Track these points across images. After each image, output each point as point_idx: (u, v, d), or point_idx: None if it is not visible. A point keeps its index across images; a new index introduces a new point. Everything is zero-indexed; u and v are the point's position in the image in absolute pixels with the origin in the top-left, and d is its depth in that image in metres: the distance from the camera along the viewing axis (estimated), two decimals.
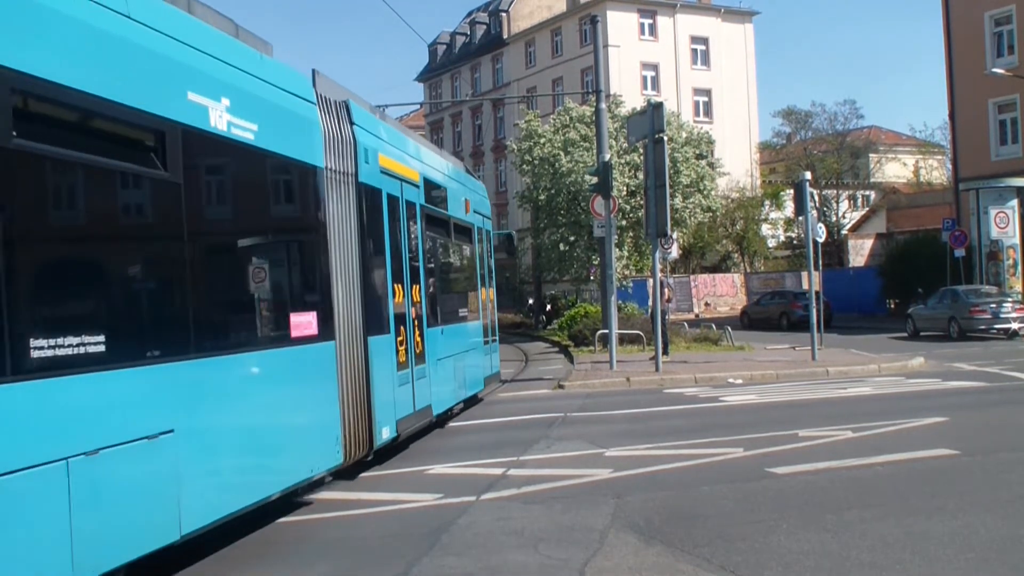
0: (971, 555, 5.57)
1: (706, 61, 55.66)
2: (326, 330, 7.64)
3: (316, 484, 8.02)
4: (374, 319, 8.76)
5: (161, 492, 5.30)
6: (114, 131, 5.26)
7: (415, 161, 10.86)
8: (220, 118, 6.15)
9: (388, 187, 9.43)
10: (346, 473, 8.67)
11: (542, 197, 30.60)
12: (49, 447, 4.43)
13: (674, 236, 23.32)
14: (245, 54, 6.83)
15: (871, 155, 54.83)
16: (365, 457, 8.74)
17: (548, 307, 38.06)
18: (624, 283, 30.27)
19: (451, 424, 12.34)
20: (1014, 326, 24.01)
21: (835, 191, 51.14)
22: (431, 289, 11.11)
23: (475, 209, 14.20)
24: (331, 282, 7.87)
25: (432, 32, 73.35)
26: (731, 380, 16.21)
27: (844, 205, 52.29)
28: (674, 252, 25.17)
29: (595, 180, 19.70)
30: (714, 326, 26.19)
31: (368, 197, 8.77)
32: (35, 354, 4.40)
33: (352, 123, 8.63)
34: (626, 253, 29.52)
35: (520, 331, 35.86)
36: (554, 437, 10.85)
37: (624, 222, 27.74)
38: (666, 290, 21.60)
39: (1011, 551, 5.65)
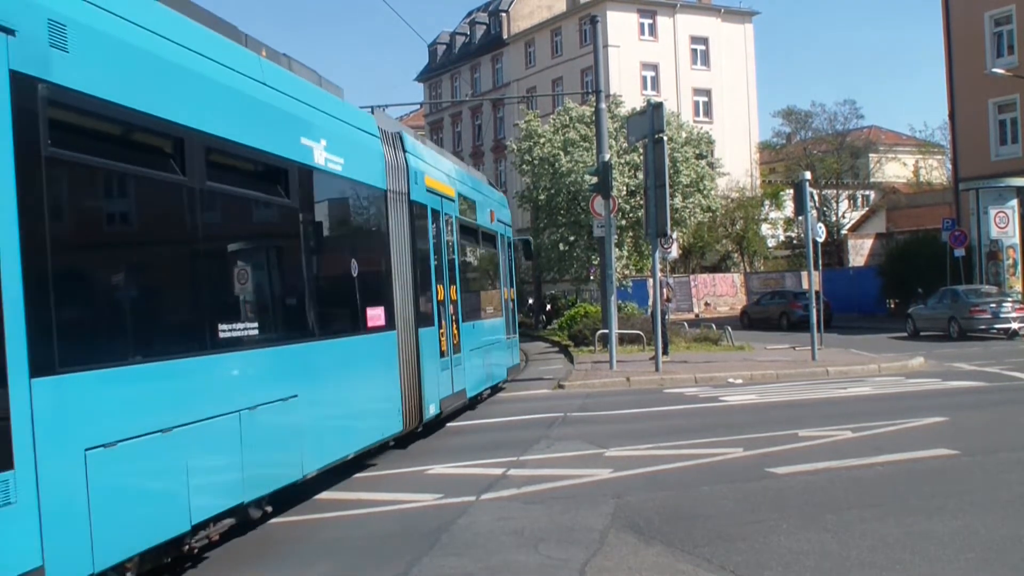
0: (971, 555, 5.57)
1: (706, 61, 55.62)
2: (390, 322, 9.37)
3: (381, 449, 9.78)
4: (422, 313, 10.47)
5: (292, 441, 7.04)
6: (259, 171, 7.03)
7: (451, 179, 12.52)
8: (320, 155, 7.87)
9: (432, 203, 11.15)
10: (400, 443, 10.28)
11: (542, 197, 30.57)
12: (230, 402, 6.14)
13: (674, 236, 23.31)
14: (330, 101, 8.56)
15: (871, 155, 54.75)
16: (416, 428, 10.32)
17: (548, 307, 38.04)
18: (624, 283, 30.24)
19: (451, 424, 12.34)
20: (1014, 326, 24.01)
21: (835, 191, 51.10)
22: (464, 289, 12.74)
23: (499, 218, 15.93)
24: (392, 282, 9.57)
25: (432, 32, 73.44)
26: (731, 380, 16.21)
27: (844, 205, 52.24)
28: (674, 252, 25.16)
29: (595, 180, 19.69)
30: (714, 326, 26.19)
31: (417, 212, 10.47)
32: (221, 335, 6.11)
33: (405, 151, 10.31)
34: (626, 253, 29.49)
35: (520, 331, 35.80)
36: (554, 437, 10.85)
37: (624, 222, 27.71)
38: (666, 290, 21.60)
39: (1011, 551, 5.65)
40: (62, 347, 4.58)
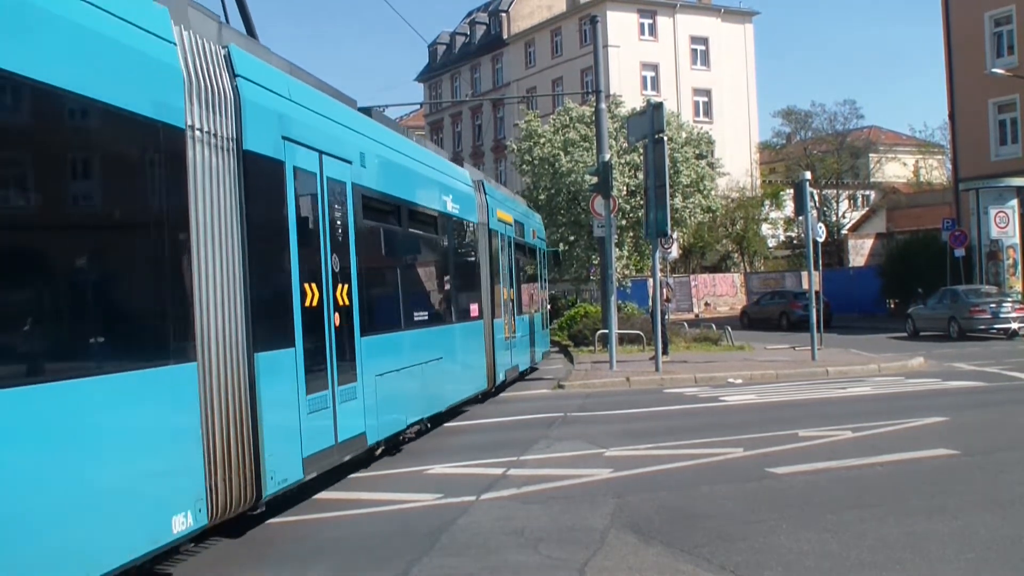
0: (971, 555, 5.57)
1: (706, 61, 55.61)
2: (480, 313, 13.63)
3: (470, 402, 13.58)
4: (495, 308, 14.46)
5: (440, 385, 11.19)
6: (426, 220, 11.00)
7: (509, 209, 16.74)
8: (450, 205, 12.01)
9: (501, 229, 15.33)
10: (483, 398, 14.40)
11: (542, 197, 30.51)
12: (417, 358, 10.23)
13: (674, 236, 23.29)
14: (445, 164, 12.87)
15: (871, 155, 54.73)
16: (491, 389, 14.52)
17: (548, 307, 37.94)
18: (624, 283, 30.22)
19: (450, 424, 12.35)
20: (1014, 326, 24.01)
21: (835, 191, 51.09)
22: (517, 290, 16.75)
23: (538, 235, 20.46)
24: (481, 286, 13.79)
25: (432, 32, 73.33)
26: (731, 380, 16.21)
27: (844, 205, 52.22)
28: (674, 252, 25.15)
29: (595, 180, 19.70)
30: (714, 326, 26.20)
31: (493, 236, 14.63)
32: (415, 318, 10.27)
33: (485, 193, 14.43)
34: (626, 253, 29.44)
35: None
36: (554, 437, 10.86)
37: (624, 222, 27.67)
38: (666, 290, 21.60)
39: (1011, 551, 5.66)
40: (368, 322, 8.49)
